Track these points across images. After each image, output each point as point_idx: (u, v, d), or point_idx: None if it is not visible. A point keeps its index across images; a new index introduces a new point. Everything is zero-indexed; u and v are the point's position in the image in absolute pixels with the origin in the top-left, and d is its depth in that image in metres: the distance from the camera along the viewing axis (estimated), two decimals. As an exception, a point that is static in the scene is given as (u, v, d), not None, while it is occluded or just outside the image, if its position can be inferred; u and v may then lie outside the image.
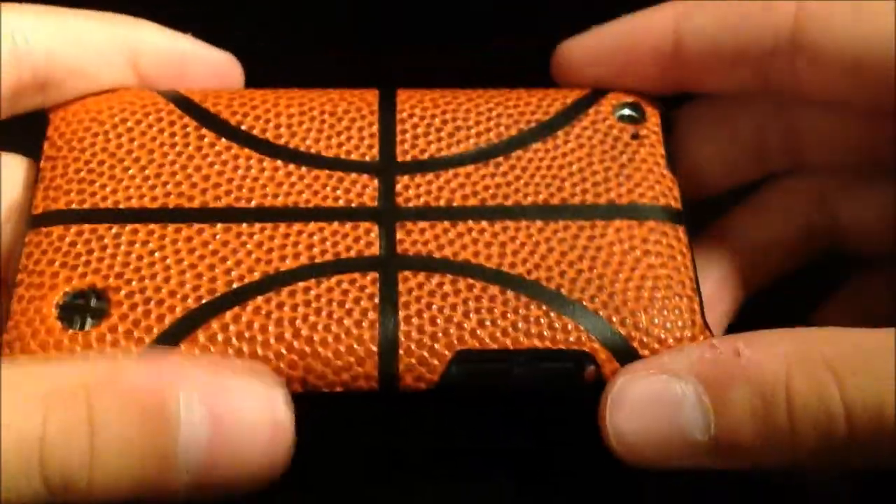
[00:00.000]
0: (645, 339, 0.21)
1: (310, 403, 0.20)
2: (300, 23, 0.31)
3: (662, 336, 0.22)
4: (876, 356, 0.19)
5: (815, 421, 0.19)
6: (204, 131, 0.24)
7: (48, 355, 0.20)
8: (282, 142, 0.24)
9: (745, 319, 0.28)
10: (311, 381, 0.20)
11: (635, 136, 0.25)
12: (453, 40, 0.31)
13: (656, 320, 0.22)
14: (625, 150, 0.24)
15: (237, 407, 0.18)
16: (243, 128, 0.24)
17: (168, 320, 0.20)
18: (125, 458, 0.17)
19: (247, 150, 0.23)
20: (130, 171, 0.23)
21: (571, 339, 0.21)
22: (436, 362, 0.21)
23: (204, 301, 0.21)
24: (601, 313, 0.22)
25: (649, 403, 0.20)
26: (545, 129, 0.25)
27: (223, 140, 0.23)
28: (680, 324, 0.22)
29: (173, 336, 0.20)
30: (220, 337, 0.20)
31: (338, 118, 0.24)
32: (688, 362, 0.20)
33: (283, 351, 0.20)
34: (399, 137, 0.24)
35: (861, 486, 0.25)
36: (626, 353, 0.21)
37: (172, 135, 0.23)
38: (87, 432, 0.17)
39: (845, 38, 0.23)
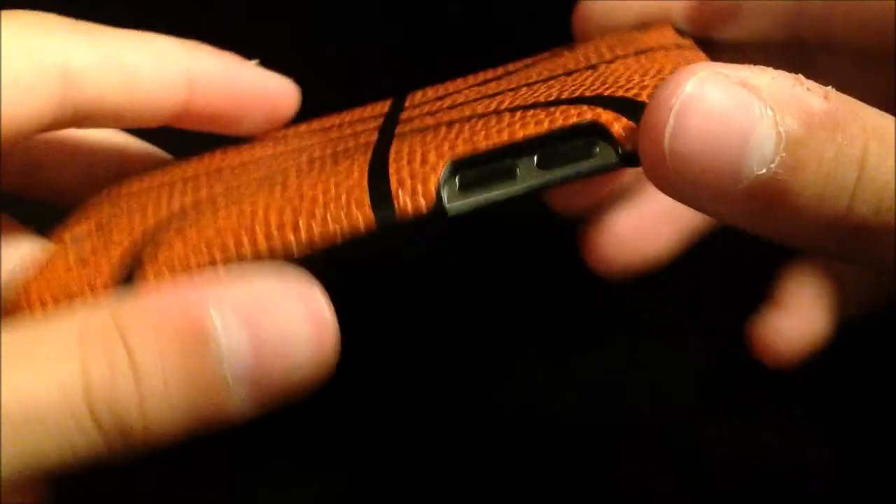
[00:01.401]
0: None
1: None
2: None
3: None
4: None
5: (878, 195, 0.17)
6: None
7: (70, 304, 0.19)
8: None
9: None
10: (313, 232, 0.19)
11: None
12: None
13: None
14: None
15: (273, 311, 0.17)
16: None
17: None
18: (174, 388, 0.17)
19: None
20: None
21: (572, 114, 0.19)
22: (429, 172, 0.19)
23: None
24: (604, 92, 0.20)
25: (723, 117, 0.17)
26: None
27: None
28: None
29: None
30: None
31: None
32: (772, 87, 0.18)
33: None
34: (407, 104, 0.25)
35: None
36: (637, 109, 0.19)
37: None
38: (129, 369, 0.17)
39: None
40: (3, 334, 0.17)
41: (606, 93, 0.20)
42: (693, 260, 0.26)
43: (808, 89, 0.17)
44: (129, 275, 0.19)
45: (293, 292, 0.18)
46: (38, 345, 0.17)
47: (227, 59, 0.24)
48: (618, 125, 0.19)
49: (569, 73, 0.22)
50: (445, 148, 0.20)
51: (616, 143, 0.19)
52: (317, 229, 0.19)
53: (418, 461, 0.28)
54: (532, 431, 0.28)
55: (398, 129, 0.22)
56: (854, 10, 0.24)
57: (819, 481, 0.26)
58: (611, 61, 0.22)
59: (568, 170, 0.19)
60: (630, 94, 0.19)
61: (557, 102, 0.20)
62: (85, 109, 0.22)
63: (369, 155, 0.20)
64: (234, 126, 0.24)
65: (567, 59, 0.24)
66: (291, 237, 0.19)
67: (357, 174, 0.20)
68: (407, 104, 0.24)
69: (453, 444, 0.28)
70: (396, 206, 0.19)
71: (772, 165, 0.17)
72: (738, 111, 0.17)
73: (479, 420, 0.28)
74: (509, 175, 0.19)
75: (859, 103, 0.18)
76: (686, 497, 0.25)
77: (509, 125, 0.20)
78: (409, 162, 0.20)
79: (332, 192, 0.19)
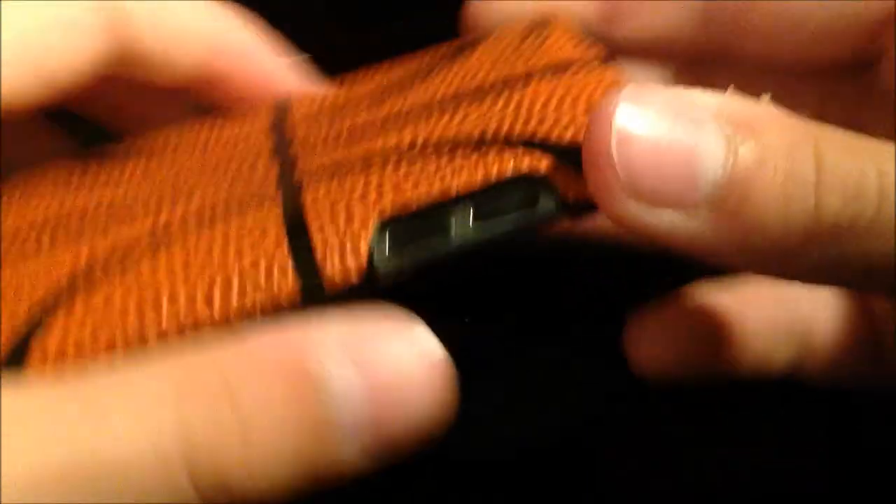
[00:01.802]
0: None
1: None
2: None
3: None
4: None
5: (843, 186, 0.17)
6: None
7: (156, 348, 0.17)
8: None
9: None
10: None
11: None
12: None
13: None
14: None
15: (385, 351, 0.15)
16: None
17: None
18: (283, 441, 0.15)
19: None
20: None
21: (506, 160, 0.18)
22: (358, 233, 0.17)
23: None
24: (534, 132, 0.19)
25: (663, 140, 0.17)
26: None
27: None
28: None
29: None
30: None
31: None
32: (709, 98, 0.17)
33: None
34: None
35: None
36: (573, 154, 0.18)
37: None
38: (235, 420, 0.15)
39: None
40: (62, 387, 0.15)
41: (539, 133, 0.19)
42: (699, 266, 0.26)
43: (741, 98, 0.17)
44: (14, 354, 0.17)
45: (403, 330, 0.16)
46: (117, 396, 0.15)
47: (247, 23, 0.23)
48: (557, 174, 0.18)
49: (482, 93, 0.21)
50: (371, 199, 0.18)
51: (558, 195, 0.18)
52: (234, 302, 0.17)
53: (416, 459, 0.28)
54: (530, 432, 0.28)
55: (301, 164, 0.20)
56: (770, 15, 0.23)
57: (818, 481, 0.26)
58: (524, 80, 0.21)
59: (508, 224, 0.18)
60: (566, 136, 0.19)
61: (485, 143, 0.19)
62: (130, 54, 0.21)
63: (280, 205, 0.18)
64: (225, 98, 0.24)
65: (473, 66, 0.23)
66: (206, 311, 0.17)
67: (274, 233, 0.18)
68: (293, 119, 0.22)
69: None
70: (324, 274, 0.17)
71: (728, 166, 0.17)
72: (676, 129, 0.17)
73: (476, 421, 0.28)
74: (443, 229, 0.18)
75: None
76: (686, 497, 0.25)
77: (438, 172, 0.18)
78: (333, 219, 0.18)
79: (249, 257, 0.17)
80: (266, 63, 0.24)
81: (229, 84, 0.23)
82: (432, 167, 0.19)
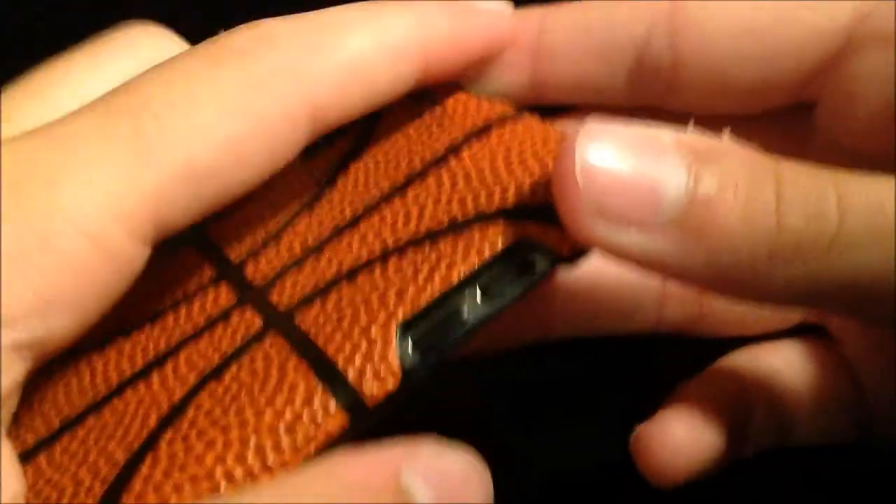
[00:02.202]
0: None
1: None
2: None
3: None
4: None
5: (804, 206, 0.18)
6: None
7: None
8: None
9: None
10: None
11: None
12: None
13: None
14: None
15: (462, 487, 0.17)
16: None
17: None
18: None
19: None
20: None
21: (494, 235, 0.19)
22: (385, 349, 0.18)
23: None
24: (504, 199, 0.20)
25: (629, 147, 0.18)
26: None
27: None
28: None
29: None
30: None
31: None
32: (669, 132, 0.18)
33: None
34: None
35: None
36: (547, 211, 0.19)
37: None
38: None
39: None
40: None
41: (509, 199, 0.20)
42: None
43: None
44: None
45: (476, 470, 0.17)
46: None
47: (452, 11, 0.22)
48: (545, 233, 0.19)
49: (421, 177, 0.22)
50: (381, 310, 0.19)
51: (550, 252, 0.19)
52: (289, 457, 0.18)
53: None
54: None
55: (272, 292, 0.20)
56: (697, 75, 0.23)
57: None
58: (454, 153, 0.22)
59: (514, 291, 0.19)
60: (537, 196, 0.20)
61: (459, 225, 0.20)
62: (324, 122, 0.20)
63: (295, 354, 0.19)
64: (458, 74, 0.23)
65: (389, 154, 0.23)
66: (269, 466, 0.17)
67: (300, 375, 0.18)
68: (251, 271, 0.22)
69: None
70: (365, 395, 0.18)
71: (689, 190, 0.18)
72: (637, 155, 0.18)
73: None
74: (458, 315, 0.19)
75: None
76: (686, 497, 0.25)
77: (428, 265, 0.19)
78: (348, 337, 0.18)
79: (289, 412, 0.18)
80: (477, 33, 0.23)
81: (448, 70, 0.23)
82: (422, 263, 0.19)
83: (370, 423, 0.18)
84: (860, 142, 0.22)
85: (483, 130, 0.22)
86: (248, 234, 0.23)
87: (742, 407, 0.24)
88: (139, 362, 0.21)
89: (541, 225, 0.19)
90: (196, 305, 0.21)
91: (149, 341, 0.21)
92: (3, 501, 0.17)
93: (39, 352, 0.18)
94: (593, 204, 0.18)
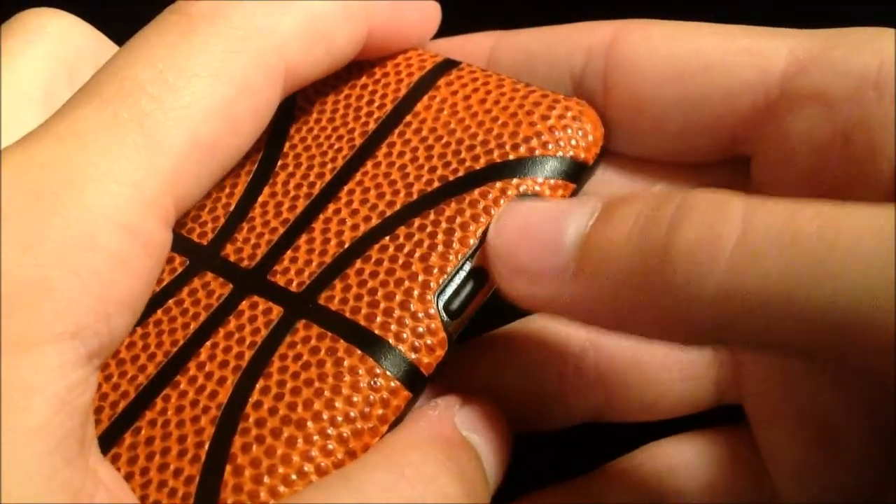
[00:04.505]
0: None
1: None
2: None
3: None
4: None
5: (702, 218, 0.17)
6: None
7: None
8: None
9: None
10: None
11: None
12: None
13: None
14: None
15: (488, 411, 0.21)
16: None
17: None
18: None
19: None
20: None
21: (501, 199, 0.21)
22: (430, 322, 0.19)
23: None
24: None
25: (536, 205, 0.20)
26: None
27: None
28: None
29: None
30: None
31: None
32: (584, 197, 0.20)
33: None
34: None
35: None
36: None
37: None
38: None
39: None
40: None
41: (493, 150, 0.21)
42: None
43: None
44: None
45: (494, 404, 0.21)
46: None
47: None
48: (536, 183, 0.21)
49: (379, 136, 0.22)
50: (416, 287, 0.20)
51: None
52: (368, 439, 0.18)
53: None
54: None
55: (324, 300, 0.20)
56: (626, 115, 0.23)
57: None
58: (409, 107, 0.22)
59: None
60: (516, 150, 0.21)
61: (458, 184, 0.21)
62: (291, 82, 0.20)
63: (339, 338, 0.19)
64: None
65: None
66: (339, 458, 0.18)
67: (362, 366, 0.19)
68: (231, 252, 0.21)
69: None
70: (422, 365, 0.19)
71: (586, 230, 0.18)
72: (544, 208, 0.19)
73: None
74: (479, 272, 0.20)
75: None
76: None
77: (447, 234, 0.20)
78: (399, 322, 0.19)
79: (359, 403, 0.19)
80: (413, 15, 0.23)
81: (383, 44, 0.23)
82: (433, 228, 0.20)
83: (423, 386, 0.20)
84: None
85: (429, 81, 0.23)
86: (199, 210, 0.22)
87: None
88: (150, 369, 0.20)
89: (526, 177, 0.21)
90: (185, 297, 0.21)
91: (149, 343, 0.20)
92: None
93: (105, 357, 0.17)
94: (505, 258, 0.19)
